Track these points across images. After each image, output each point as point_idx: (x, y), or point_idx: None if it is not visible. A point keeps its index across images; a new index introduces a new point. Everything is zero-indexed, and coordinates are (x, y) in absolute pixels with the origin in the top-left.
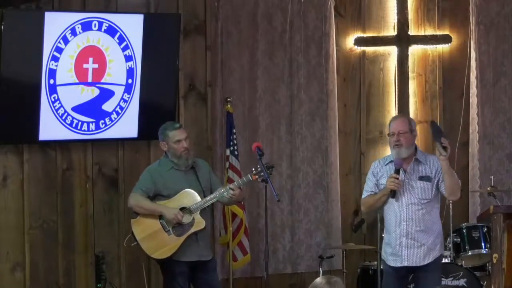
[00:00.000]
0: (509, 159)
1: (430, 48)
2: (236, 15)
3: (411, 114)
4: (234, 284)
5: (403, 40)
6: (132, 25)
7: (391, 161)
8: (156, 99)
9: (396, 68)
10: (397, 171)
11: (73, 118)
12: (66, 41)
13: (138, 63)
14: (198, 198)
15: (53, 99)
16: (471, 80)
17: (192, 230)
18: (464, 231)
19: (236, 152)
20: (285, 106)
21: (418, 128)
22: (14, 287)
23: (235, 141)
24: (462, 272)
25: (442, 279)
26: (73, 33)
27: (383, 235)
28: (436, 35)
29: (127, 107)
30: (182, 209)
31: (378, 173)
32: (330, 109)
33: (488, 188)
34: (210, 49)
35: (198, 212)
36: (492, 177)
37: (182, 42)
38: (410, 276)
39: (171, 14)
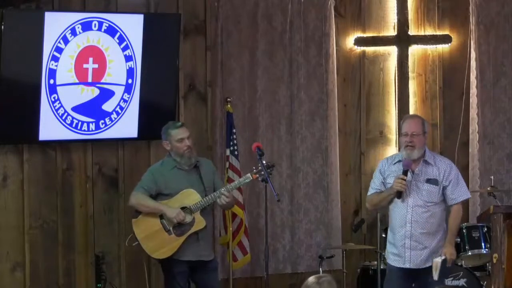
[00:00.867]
0: (509, 159)
1: (430, 48)
2: (236, 15)
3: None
4: (234, 284)
5: (403, 40)
6: (132, 25)
7: (399, 161)
8: (156, 99)
9: (396, 68)
10: (405, 173)
11: (73, 118)
12: (66, 41)
13: (138, 63)
14: (199, 198)
15: (53, 99)
16: (471, 80)
17: (193, 229)
18: (464, 231)
19: (236, 152)
20: (285, 106)
21: None
22: (14, 287)
23: (235, 141)
24: (462, 272)
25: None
26: (73, 33)
27: (383, 235)
28: (436, 35)
29: (127, 107)
30: (183, 208)
31: (386, 171)
32: (330, 109)
33: (488, 188)
34: (210, 49)
35: (199, 211)
36: (492, 177)
37: (182, 42)
38: (412, 276)
39: (171, 14)
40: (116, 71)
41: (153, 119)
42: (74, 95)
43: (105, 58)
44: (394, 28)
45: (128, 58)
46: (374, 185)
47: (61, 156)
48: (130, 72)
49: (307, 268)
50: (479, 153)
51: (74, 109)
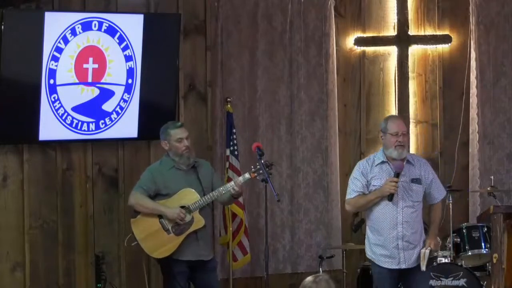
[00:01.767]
0: (509, 159)
1: (430, 48)
2: (236, 15)
3: (411, 114)
4: (234, 284)
5: (403, 40)
6: (132, 25)
7: (382, 162)
8: (156, 99)
9: (396, 68)
10: (396, 175)
11: (73, 118)
12: (66, 41)
13: (138, 63)
14: (198, 197)
15: (53, 99)
16: (471, 80)
17: (192, 228)
18: (464, 231)
19: (236, 152)
20: (285, 106)
21: (418, 128)
22: (14, 287)
23: (235, 141)
24: (462, 272)
25: (442, 279)
26: (73, 33)
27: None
28: (436, 35)
29: (127, 107)
30: (182, 207)
31: (369, 173)
32: (330, 109)
33: (488, 188)
34: (210, 49)
35: (197, 210)
36: (492, 177)
37: (182, 42)
38: (401, 276)
39: (171, 14)
40: (116, 71)
41: (153, 119)
42: (74, 95)
43: (105, 58)
44: (394, 28)
45: (128, 58)
46: (356, 188)
47: (61, 156)
48: (130, 72)
49: (307, 268)
50: (479, 153)
51: (74, 109)
